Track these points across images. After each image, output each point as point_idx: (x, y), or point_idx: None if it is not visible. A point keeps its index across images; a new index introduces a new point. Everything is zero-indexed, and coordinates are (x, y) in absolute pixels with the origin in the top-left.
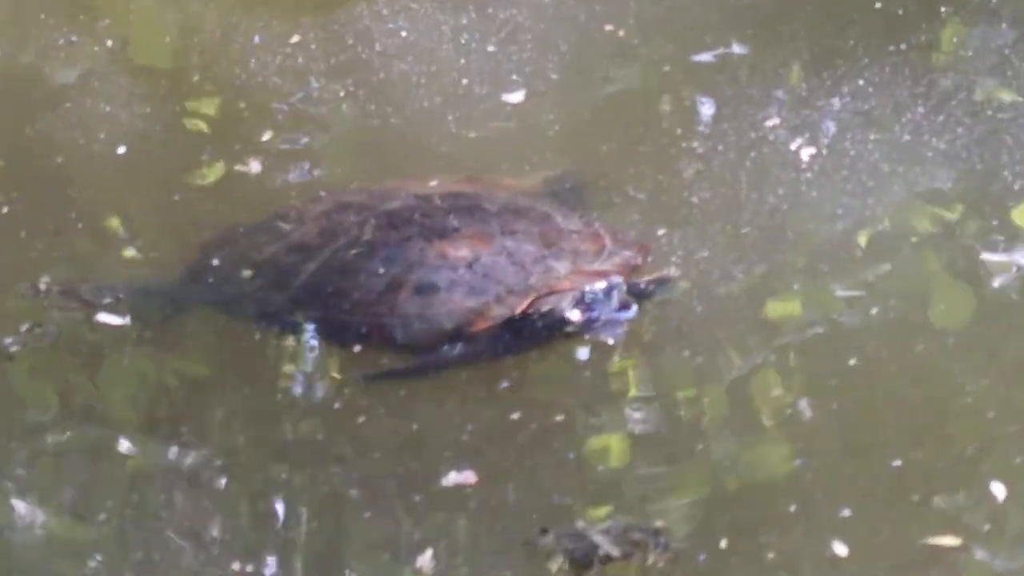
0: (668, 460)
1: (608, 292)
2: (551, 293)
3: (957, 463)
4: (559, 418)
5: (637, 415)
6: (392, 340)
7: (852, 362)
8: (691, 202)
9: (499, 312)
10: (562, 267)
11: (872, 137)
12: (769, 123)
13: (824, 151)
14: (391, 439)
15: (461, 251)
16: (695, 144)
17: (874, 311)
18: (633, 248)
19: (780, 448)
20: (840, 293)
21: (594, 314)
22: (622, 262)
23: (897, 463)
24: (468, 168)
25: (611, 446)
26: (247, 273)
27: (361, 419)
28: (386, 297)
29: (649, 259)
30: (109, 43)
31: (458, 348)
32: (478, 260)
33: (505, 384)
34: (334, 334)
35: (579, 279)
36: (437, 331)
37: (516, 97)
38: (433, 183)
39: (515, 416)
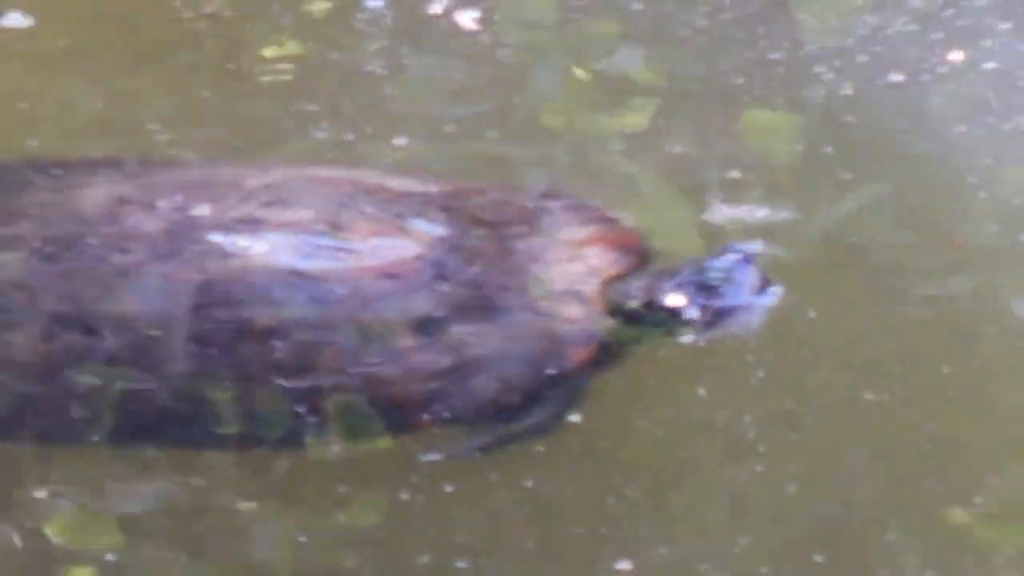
0: None
1: (742, 266)
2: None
3: None
4: None
5: None
6: (439, 413)
7: None
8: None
9: (582, 331)
10: (541, 244)
11: None
12: None
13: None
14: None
15: (408, 261)
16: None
17: None
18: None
19: None
20: None
21: (726, 301)
22: (600, 221)
23: None
24: None
25: None
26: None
27: None
28: (375, 351)
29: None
30: None
31: (554, 398)
32: (443, 267)
33: None
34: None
35: (604, 255)
36: (519, 383)
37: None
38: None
39: None
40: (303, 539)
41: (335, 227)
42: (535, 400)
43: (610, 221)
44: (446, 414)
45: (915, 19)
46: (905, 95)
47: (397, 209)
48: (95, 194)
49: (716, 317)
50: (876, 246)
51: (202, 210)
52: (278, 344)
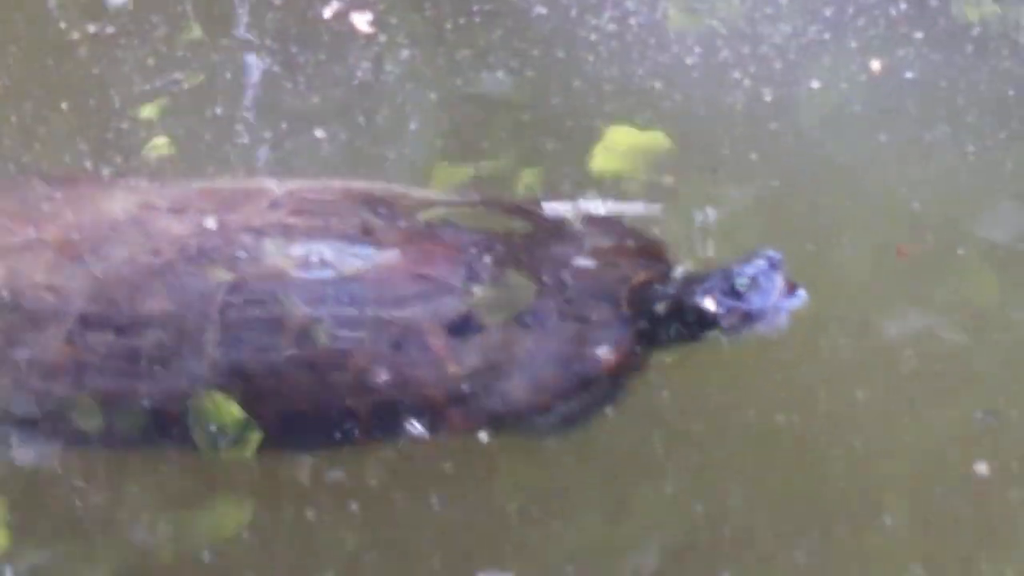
0: None
1: (768, 271)
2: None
3: None
4: None
5: None
6: (471, 413)
7: None
8: None
9: (613, 334)
10: (569, 252)
11: None
12: None
13: None
14: None
15: (440, 263)
16: None
17: None
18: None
19: None
20: None
21: (754, 306)
22: (624, 230)
23: None
24: None
25: None
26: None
27: None
28: (407, 351)
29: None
30: None
31: (590, 398)
32: (475, 270)
33: None
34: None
35: (631, 262)
36: (551, 385)
37: None
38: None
39: None
40: (205, 554)
41: (366, 232)
42: (567, 401)
43: (634, 230)
44: (478, 414)
45: (827, 28)
46: (826, 103)
47: (422, 216)
48: (113, 202)
49: (743, 320)
50: (800, 259)
51: (230, 216)
52: (311, 343)
